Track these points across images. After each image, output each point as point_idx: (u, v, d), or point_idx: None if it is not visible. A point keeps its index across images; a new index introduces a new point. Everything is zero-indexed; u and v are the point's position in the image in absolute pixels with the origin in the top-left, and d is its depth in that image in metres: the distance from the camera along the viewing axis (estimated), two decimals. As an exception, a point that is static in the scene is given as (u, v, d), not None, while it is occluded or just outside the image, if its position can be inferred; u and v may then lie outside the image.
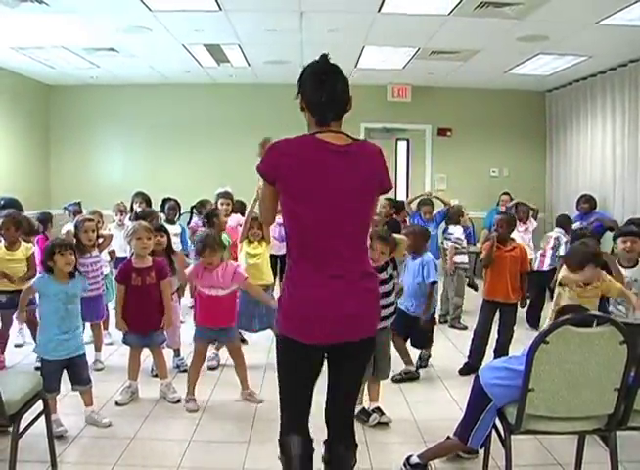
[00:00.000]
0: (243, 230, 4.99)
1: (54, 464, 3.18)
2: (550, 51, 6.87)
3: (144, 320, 4.09)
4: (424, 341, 4.86)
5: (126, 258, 4.64)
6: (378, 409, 3.99)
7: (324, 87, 2.33)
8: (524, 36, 6.23)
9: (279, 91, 9.17)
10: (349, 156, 2.30)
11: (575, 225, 7.30)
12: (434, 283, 4.70)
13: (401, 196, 9.64)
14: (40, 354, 3.59)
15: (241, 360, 4.31)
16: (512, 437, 2.81)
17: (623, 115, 7.46)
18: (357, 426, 3.76)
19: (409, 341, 4.78)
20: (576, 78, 8.49)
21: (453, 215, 6.83)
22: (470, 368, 4.72)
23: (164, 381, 4.27)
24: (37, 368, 4.51)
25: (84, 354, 3.66)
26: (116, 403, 4.09)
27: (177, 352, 4.89)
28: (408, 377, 4.69)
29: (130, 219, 6.45)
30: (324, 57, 2.39)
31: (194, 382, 4.22)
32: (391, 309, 3.91)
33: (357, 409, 3.96)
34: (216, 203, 6.16)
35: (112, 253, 5.57)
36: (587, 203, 7.46)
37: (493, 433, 2.98)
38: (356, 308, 2.31)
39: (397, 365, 4.54)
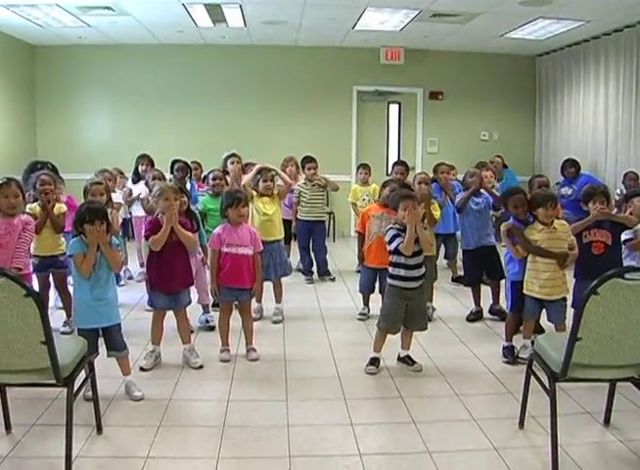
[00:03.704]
0: (247, 178, 5.39)
1: (99, 427, 3.20)
2: (550, 15, 6.92)
3: (174, 279, 4.05)
4: None
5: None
6: (408, 358, 4.18)
7: None
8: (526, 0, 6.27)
9: (272, 53, 9.30)
10: None
11: (564, 190, 7.45)
12: None
13: (393, 159, 9.76)
14: (75, 323, 3.57)
15: (249, 316, 4.50)
16: (535, 388, 3.11)
17: (617, 79, 7.60)
18: (388, 382, 3.96)
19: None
20: (569, 43, 8.59)
21: None
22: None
23: (187, 346, 4.26)
24: (63, 332, 4.62)
25: (119, 324, 3.63)
26: (141, 369, 4.07)
27: (206, 309, 5.00)
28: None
29: (134, 181, 6.42)
30: None
31: (226, 333, 4.39)
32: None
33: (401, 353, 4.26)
34: (225, 164, 6.21)
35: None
36: (573, 167, 7.59)
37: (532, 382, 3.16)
38: None
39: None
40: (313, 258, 6.90)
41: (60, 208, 4.69)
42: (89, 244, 3.41)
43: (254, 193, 5.28)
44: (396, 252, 4.02)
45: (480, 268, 5.28)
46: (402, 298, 4.06)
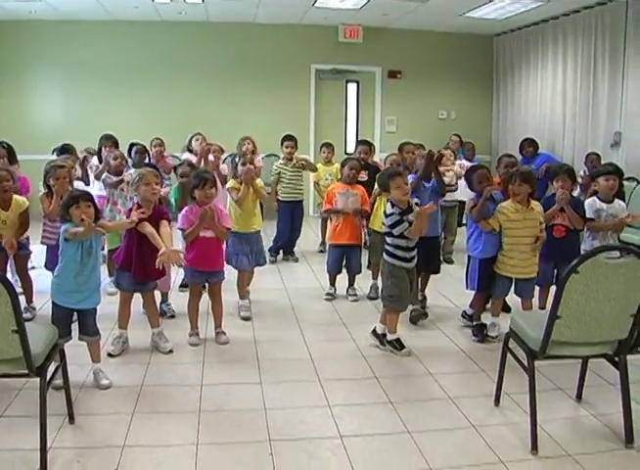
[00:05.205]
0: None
1: (72, 417, 3.09)
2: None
3: (147, 268, 3.87)
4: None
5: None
6: (397, 341, 4.14)
7: None
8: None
9: (230, 30, 9.10)
10: None
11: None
12: None
13: (351, 138, 9.74)
14: (51, 297, 3.44)
15: (219, 298, 4.38)
16: (508, 365, 3.24)
17: (575, 60, 7.72)
18: (360, 363, 3.96)
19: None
20: (527, 24, 8.66)
21: None
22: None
23: (156, 330, 4.15)
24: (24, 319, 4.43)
25: (95, 309, 3.53)
26: (109, 354, 3.95)
27: (165, 297, 4.84)
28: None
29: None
30: None
31: (195, 317, 4.33)
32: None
33: (378, 329, 4.26)
34: (189, 143, 6.21)
35: None
36: (531, 146, 7.69)
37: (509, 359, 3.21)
38: None
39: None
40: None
41: (23, 203, 4.43)
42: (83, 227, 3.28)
43: (234, 181, 4.99)
44: (399, 235, 4.02)
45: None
46: (406, 272, 4.10)
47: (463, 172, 5.66)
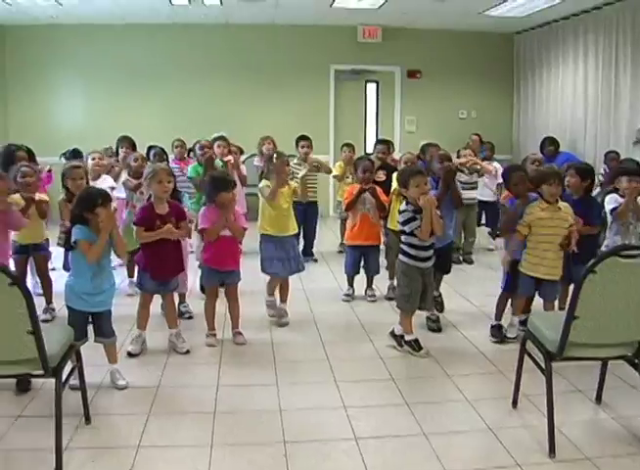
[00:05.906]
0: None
1: (88, 417, 3.11)
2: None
3: (166, 267, 3.96)
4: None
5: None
6: (416, 342, 4.11)
7: None
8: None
9: (249, 32, 9.14)
10: None
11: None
12: None
13: (370, 138, 9.71)
14: (66, 301, 3.45)
15: (235, 299, 4.36)
16: (525, 367, 3.18)
17: (596, 57, 7.62)
18: (377, 364, 3.94)
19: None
20: (547, 21, 8.56)
21: None
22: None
23: (174, 330, 4.17)
24: (43, 320, 4.49)
25: (110, 310, 3.54)
26: (129, 354, 3.98)
27: (183, 298, 4.84)
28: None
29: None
30: None
31: (212, 318, 4.33)
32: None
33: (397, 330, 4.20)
34: (212, 144, 6.12)
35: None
36: (552, 145, 7.61)
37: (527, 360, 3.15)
38: None
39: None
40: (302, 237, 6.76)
41: (42, 197, 4.52)
42: (102, 229, 3.29)
43: (266, 181, 4.75)
44: (411, 233, 4.00)
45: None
46: (419, 273, 4.07)
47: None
